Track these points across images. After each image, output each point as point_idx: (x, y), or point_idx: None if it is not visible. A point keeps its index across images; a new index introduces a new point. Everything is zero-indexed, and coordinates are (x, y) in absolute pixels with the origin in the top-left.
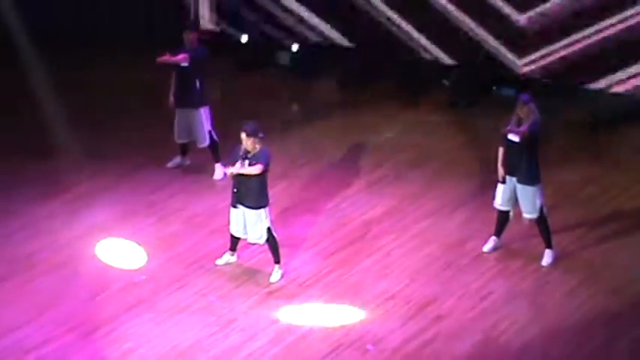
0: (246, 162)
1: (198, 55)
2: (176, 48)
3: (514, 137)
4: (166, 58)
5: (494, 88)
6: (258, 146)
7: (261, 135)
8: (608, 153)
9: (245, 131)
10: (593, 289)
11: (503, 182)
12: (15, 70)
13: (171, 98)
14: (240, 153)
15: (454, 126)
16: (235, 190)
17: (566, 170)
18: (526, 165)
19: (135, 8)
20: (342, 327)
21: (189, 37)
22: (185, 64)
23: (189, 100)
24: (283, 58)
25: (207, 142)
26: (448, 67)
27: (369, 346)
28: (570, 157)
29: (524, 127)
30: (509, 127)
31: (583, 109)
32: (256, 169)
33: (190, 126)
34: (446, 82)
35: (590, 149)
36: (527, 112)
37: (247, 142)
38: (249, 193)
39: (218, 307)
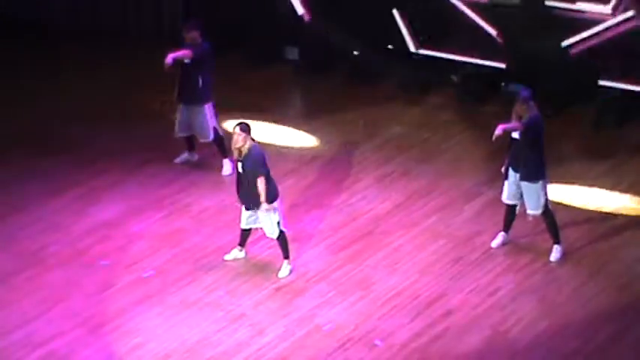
0: (241, 164)
1: (201, 51)
2: (181, 46)
3: (515, 134)
4: (171, 56)
5: (502, 84)
6: (247, 145)
7: (251, 137)
8: (615, 148)
9: (240, 126)
10: (601, 285)
11: (505, 177)
12: (21, 65)
13: (177, 92)
14: (234, 156)
15: (462, 122)
16: (239, 195)
17: (574, 165)
18: (526, 162)
19: (144, 3)
20: (351, 322)
21: (191, 34)
22: (187, 61)
23: (192, 96)
24: (292, 54)
25: (210, 138)
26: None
27: (378, 341)
28: (578, 151)
29: (517, 123)
30: (503, 126)
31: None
32: (262, 182)
33: (192, 122)
34: (454, 78)
35: (598, 144)
36: (525, 109)
37: (238, 138)
38: (253, 193)
39: (226, 302)
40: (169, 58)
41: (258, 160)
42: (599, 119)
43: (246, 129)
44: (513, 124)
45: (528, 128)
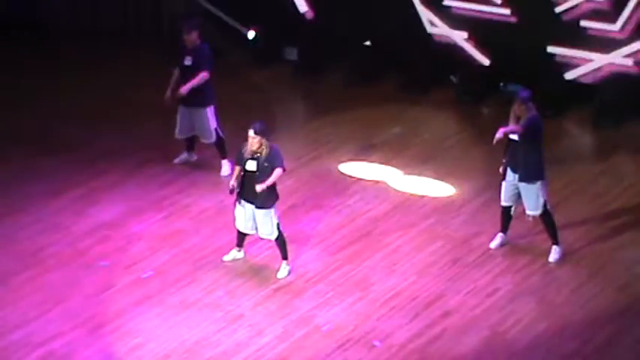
0: (254, 162)
1: (202, 54)
2: (181, 47)
3: (514, 135)
4: (188, 86)
5: (501, 84)
6: (264, 147)
7: (267, 138)
8: (614, 149)
9: (253, 129)
10: (600, 286)
11: (503, 178)
12: (21, 65)
13: (169, 93)
14: (245, 154)
15: (461, 122)
16: (243, 188)
17: (573, 166)
18: (526, 163)
19: (143, 3)
20: (350, 323)
21: (190, 37)
22: (189, 63)
23: (194, 99)
24: (291, 54)
25: (213, 139)
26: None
27: (376, 342)
28: (577, 152)
29: (516, 126)
30: (503, 129)
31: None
32: (278, 173)
33: (194, 123)
34: (454, 79)
35: (596, 145)
36: (524, 110)
37: (254, 141)
38: (259, 193)
39: (225, 303)
40: (185, 89)
41: (279, 157)
42: (599, 119)
43: (260, 131)
44: (513, 126)
45: (528, 129)
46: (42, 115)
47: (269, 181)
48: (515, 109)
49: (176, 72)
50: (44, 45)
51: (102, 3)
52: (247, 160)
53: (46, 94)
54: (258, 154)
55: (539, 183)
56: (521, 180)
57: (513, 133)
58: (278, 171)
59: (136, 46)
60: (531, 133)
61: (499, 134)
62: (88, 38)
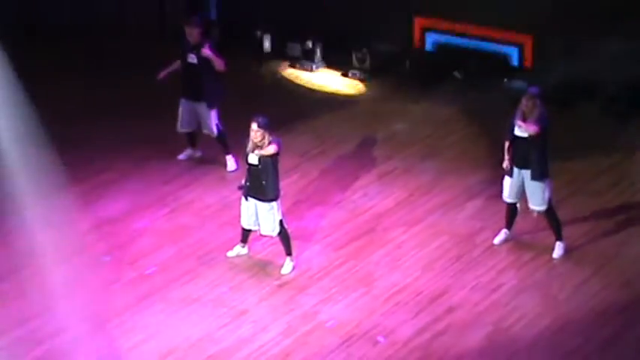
0: (256, 156)
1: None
2: (184, 44)
3: (522, 132)
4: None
5: (505, 80)
6: (266, 140)
7: (270, 132)
8: (619, 144)
9: (257, 122)
10: (604, 282)
11: (510, 175)
12: (20, 65)
13: (163, 74)
14: (248, 149)
15: (464, 118)
16: (248, 183)
17: (578, 162)
18: (536, 160)
19: (145, 1)
20: (354, 319)
21: (193, 32)
22: (194, 61)
23: (199, 95)
24: (294, 50)
25: (214, 134)
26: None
27: (380, 338)
28: (582, 148)
29: (533, 125)
30: (519, 122)
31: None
32: (272, 149)
33: (197, 117)
34: (457, 75)
35: (601, 140)
36: (532, 106)
37: (257, 134)
38: (262, 185)
39: (229, 298)
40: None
41: (277, 144)
42: (603, 116)
43: (263, 124)
44: (532, 125)
45: (544, 127)
46: (42, 114)
47: (263, 152)
48: (523, 104)
49: (176, 63)
50: (44, 44)
51: (102, 1)
52: (248, 153)
53: (48, 92)
54: (260, 148)
55: (547, 180)
56: (533, 179)
57: (530, 130)
58: (272, 146)
59: (136, 44)
60: (544, 130)
61: (523, 124)
62: (88, 37)
